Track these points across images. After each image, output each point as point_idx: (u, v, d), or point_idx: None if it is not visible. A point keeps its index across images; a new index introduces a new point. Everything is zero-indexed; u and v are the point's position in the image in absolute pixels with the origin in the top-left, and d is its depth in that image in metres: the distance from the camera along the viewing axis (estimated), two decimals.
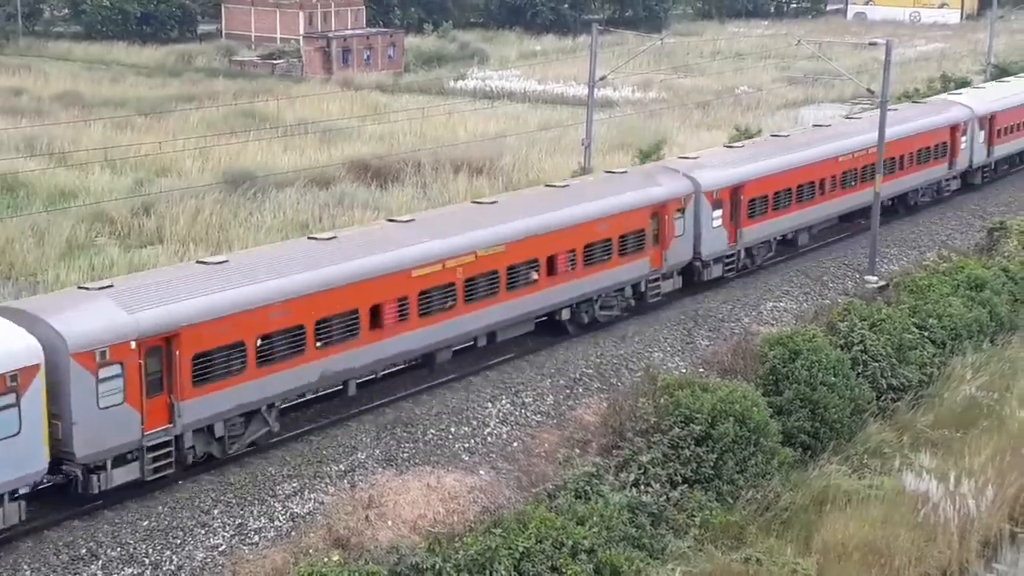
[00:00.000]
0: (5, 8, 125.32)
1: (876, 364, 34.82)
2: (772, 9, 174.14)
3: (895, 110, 50.98)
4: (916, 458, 31.68)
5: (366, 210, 51.27)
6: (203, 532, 24.05)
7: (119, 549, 23.15)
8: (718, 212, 38.56)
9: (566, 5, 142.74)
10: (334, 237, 29.63)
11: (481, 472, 27.55)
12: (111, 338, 23.41)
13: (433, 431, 28.65)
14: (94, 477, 23.74)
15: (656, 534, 26.35)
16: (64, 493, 24.13)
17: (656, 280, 36.87)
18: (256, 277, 26.53)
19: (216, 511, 24.66)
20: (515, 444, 28.98)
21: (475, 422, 29.40)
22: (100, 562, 22.80)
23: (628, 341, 34.85)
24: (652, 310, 37.15)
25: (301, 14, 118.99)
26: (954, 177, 53.11)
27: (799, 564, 26.33)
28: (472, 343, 31.76)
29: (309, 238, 30.17)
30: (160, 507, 24.49)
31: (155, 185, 54.99)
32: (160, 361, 24.41)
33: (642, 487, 27.21)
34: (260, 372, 26.09)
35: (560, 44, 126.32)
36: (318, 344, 27.20)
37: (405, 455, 27.55)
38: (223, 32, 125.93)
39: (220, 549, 23.74)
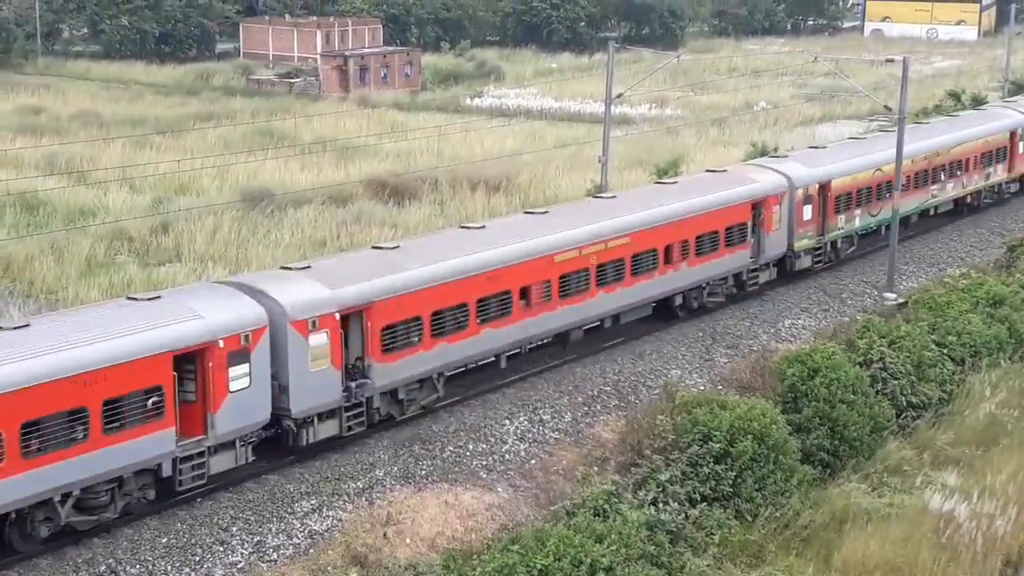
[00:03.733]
0: (24, 28, 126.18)
1: (895, 382, 34.67)
2: (788, 26, 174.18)
3: (674, 183, 40.31)
4: (936, 476, 31.51)
5: (383, 227, 51.39)
6: (222, 549, 24.08)
7: (138, 566, 23.20)
8: (320, 340, 26.87)
9: (582, 23, 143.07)
10: None
11: (499, 489, 27.52)
12: None
13: (451, 448, 28.64)
14: None
15: (675, 552, 26.24)
16: None
17: (201, 456, 25.31)
18: None
19: (235, 528, 24.69)
20: (533, 461, 28.95)
21: (493, 439, 29.38)
22: None
23: (646, 358, 34.80)
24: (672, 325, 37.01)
25: (319, 33, 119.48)
26: (765, 266, 40.58)
27: None
28: None
29: None
30: (179, 524, 24.54)
31: (173, 203, 55.17)
32: None
33: (660, 505, 27.13)
34: None
35: (576, 62, 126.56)
36: None
37: (423, 472, 27.55)
38: (241, 51, 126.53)
39: (239, 566, 23.76)
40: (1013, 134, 55.03)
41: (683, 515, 27.14)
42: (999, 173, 54.12)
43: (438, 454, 28.33)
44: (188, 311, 25.33)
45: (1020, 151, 54.96)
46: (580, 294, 33.25)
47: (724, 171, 41.65)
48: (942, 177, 49.45)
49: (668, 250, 35.89)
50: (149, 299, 25.84)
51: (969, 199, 52.75)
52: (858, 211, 44.42)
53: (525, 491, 27.79)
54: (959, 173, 50.71)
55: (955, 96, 79.93)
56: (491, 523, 26.23)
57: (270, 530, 24.84)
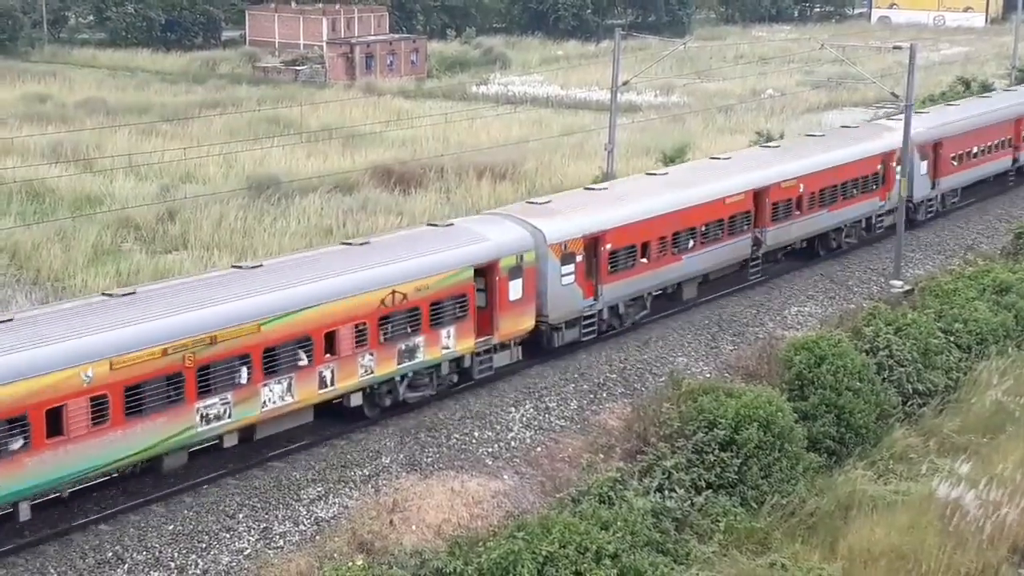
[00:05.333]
0: (31, 15, 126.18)
1: (902, 369, 34.64)
2: (795, 13, 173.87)
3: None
4: (943, 463, 31.49)
5: (389, 215, 51.42)
6: (228, 536, 24.14)
7: (145, 552, 23.27)
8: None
9: (589, 11, 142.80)
10: None
11: (505, 477, 27.56)
12: None
13: (457, 436, 28.68)
14: None
15: (680, 539, 26.28)
16: None
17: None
18: None
19: (241, 515, 24.75)
20: (539, 449, 28.97)
21: (499, 427, 29.41)
22: (126, 565, 22.92)
23: (652, 346, 34.79)
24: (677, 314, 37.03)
25: (325, 20, 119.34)
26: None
27: (825, 570, 26.17)
28: None
29: None
30: (186, 511, 24.61)
31: (180, 191, 55.26)
32: None
33: (666, 492, 27.15)
34: None
35: (583, 49, 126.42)
36: None
37: (429, 460, 27.59)
38: (247, 39, 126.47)
39: (245, 553, 23.82)
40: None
41: (689, 502, 27.16)
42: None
43: (444, 441, 28.37)
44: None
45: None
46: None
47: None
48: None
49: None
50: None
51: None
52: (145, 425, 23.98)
53: (531, 478, 27.83)
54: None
55: (965, 83, 79.68)
56: (497, 510, 26.27)
57: (276, 517, 24.90)
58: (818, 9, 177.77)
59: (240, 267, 28.13)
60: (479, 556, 23.62)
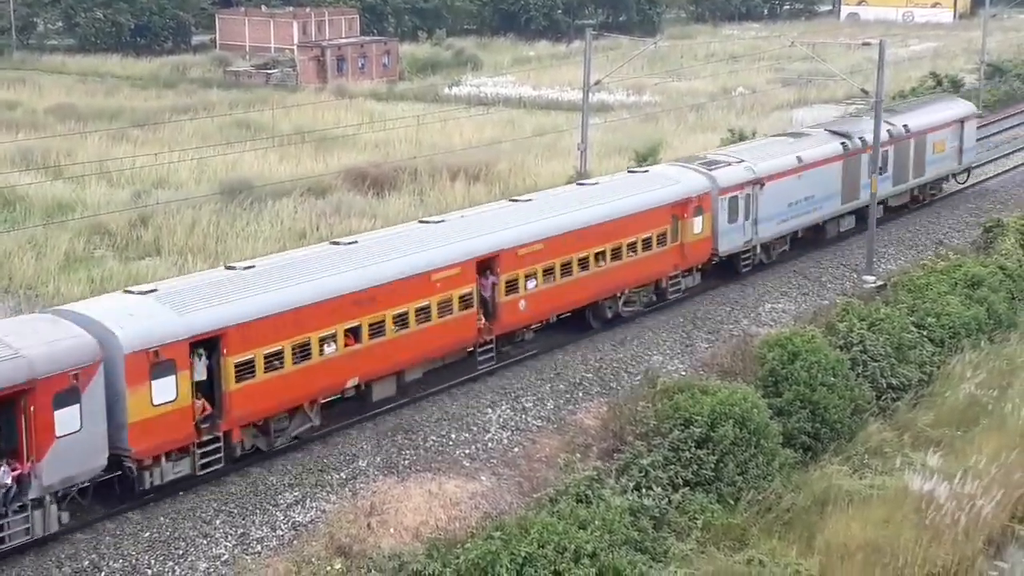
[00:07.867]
0: None
1: (875, 364, 34.85)
2: (765, 11, 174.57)
3: None
4: (917, 457, 31.69)
5: (363, 218, 51.29)
6: (205, 542, 24.06)
7: (121, 560, 23.17)
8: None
9: (559, 11, 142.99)
10: None
11: (482, 478, 27.57)
12: None
13: (434, 438, 28.67)
14: None
15: (658, 537, 26.36)
16: None
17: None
18: None
19: (218, 521, 24.68)
20: (516, 449, 29.00)
21: (475, 428, 29.43)
22: (102, 574, 22.83)
23: (627, 344, 34.88)
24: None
25: (295, 23, 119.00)
26: None
27: (802, 565, 26.32)
28: None
29: None
30: (162, 518, 24.52)
31: (152, 197, 54.91)
32: None
33: (643, 490, 27.23)
34: None
35: (554, 50, 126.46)
36: None
37: (406, 462, 27.57)
38: (217, 43, 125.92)
39: (223, 559, 23.75)
40: None
41: (666, 500, 27.24)
42: None
43: (421, 444, 28.36)
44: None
45: None
46: None
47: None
48: None
49: None
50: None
51: None
52: None
53: (508, 479, 27.85)
54: None
55: (937, 79, 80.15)
56: (475, 512, 26.28)
57: (253, 522, 24.84)
58: (788, 7, 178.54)
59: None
60: (457, 558, 23.64)
